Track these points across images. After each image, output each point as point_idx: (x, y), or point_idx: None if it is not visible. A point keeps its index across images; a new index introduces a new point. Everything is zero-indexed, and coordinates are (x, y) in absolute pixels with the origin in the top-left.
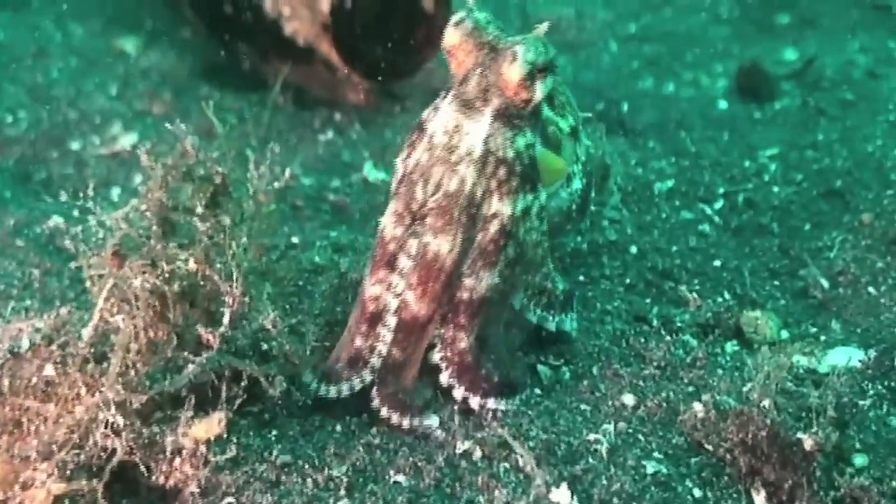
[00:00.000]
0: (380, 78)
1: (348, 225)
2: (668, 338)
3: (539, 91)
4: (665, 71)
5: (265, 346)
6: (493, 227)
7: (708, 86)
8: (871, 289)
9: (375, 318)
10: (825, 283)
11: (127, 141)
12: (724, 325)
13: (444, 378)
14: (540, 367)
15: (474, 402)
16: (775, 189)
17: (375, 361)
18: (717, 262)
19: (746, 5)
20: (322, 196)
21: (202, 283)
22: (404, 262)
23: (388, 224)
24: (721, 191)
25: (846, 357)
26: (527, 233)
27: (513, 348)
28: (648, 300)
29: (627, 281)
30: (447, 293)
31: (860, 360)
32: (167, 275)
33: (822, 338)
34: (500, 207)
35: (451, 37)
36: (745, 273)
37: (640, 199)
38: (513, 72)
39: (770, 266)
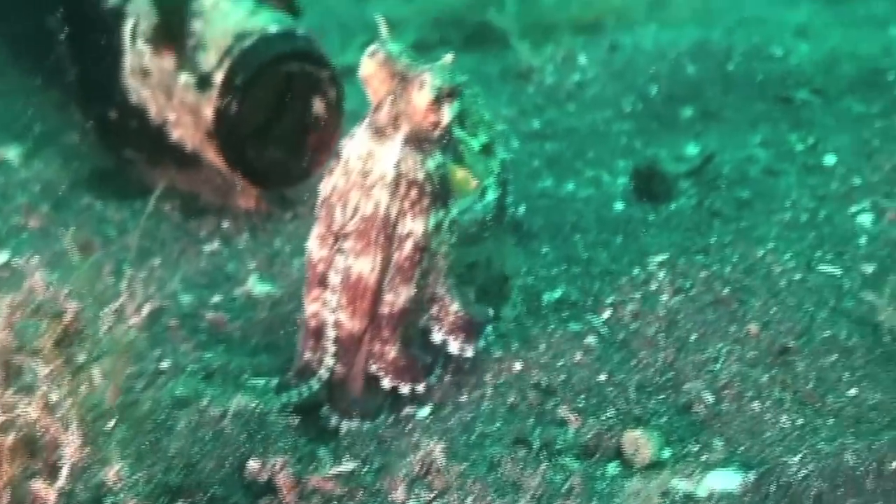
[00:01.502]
0: (269, 184)
1: (226, 345)
2: (545, 464)
3: (447, 115)
4: (566, 169)
5: (109, 501)
6: (408, 245)
7: (609, 184)
8: (755, 404)
9: (318, 333)
10: (709, 398)
11: None
12: (605, 445)
13: (387, 383)
14: None
15: (421, 387)
16: (663, 298)
17: (323, 373)
18: (603, 377)
19: (650, 99)
20: (200, 314)
21: (42, 432)
22: (334, 279)
23: (314, 247)
24: (609, 300)
25: (725, 480)
26: (439, 245)
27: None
28: (531, 420)
29: (510, 400)
30: (376, 307)
31: (739, 484)
32: (3, 424)
33: (704, 457)
34: (413, 226)
35: (366, 67)
36: (630, 388)
37: (529, 311)
38: (421, 98)
39: (655, 380)
